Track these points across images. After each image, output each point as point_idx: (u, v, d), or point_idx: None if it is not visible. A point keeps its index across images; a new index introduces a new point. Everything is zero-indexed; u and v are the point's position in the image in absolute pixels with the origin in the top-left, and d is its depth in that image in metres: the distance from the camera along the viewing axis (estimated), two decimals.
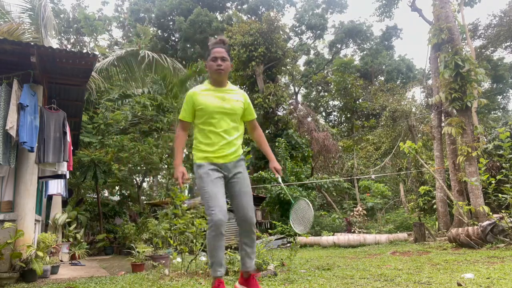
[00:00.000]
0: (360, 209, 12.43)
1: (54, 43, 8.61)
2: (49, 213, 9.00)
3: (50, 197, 8.83)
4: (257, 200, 14.29)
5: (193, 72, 13.10)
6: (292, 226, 3.25)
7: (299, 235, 8.30)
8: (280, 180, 3.10)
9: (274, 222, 12.85)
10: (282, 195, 13.09)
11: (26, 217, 5.08)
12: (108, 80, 10.89)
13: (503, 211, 6.83)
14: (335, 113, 29.78)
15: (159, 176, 18.56)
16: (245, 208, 2.71)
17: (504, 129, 7.44)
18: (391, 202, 16.77)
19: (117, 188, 16.83)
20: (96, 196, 12.58)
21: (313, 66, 29.88)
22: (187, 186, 19.50)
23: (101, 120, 10.82)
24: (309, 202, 3.20)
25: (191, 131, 3.03)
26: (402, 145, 10.00)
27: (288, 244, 11.01)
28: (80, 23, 17.84)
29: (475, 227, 6.94)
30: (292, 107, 19.99)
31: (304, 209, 3.20)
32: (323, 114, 29.83)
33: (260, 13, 25.71)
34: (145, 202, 15.08)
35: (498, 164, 10.12)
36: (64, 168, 6.04)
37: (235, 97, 2.82)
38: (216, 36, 2.99)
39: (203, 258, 5.50)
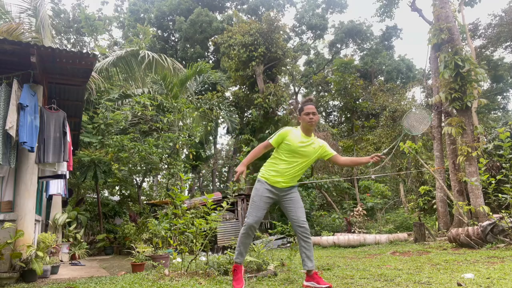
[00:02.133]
0: (360, 209, 12.43)
1: (49, 42, 8.60)
2: (49, 213, 9.00)
3: (50, 197, 8.83)
4: None
5: (193, 72, 13.08)
6: (415, 132, 4.14)
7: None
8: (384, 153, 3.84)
9: (274, 222, 12.85)
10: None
11: (26, 217, 5.08)
12: (108, 80, 10.90)
13: (503, 211, 6.82)
14: (335, 113, 29.77)
15: (159, 176, 18.56)
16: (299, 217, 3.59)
17: (504, 129, 7.42)
18: (391, 202, 16.76)
19: (117, 188, 16.83)
20: (96, 196, 12.57)
21: (313, 66, 29.87)
22: (187, 186, 19.50)
23: (101, 120, 10.81)
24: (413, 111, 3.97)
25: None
26: (402, 145, 10.00)
27: (288, 244, 11.01)
28: (80, 23, 17.82)
29: (475, 227, 6.94)
30: (292, 107, 19.99)
31: (411, 117, 4.12)
32: (323, 114, 29.82)
33: (260, 13, 25.71)
34: (145, 202, 15.08)
35: (498, 164, 10.13)
36: (64, 168, 6.04)
37: (314, 145, 3.62)
38: (306, 97, 3.67)
39: (203, 258, 5.50)
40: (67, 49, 5.52)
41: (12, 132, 4.82)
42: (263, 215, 3.54)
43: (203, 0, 26.98)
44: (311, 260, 3.52)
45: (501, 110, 27.33)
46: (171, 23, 26.91)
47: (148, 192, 18.62)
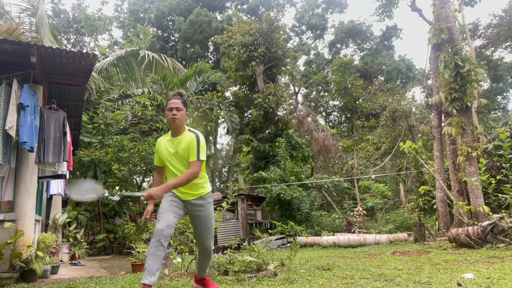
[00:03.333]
0: (360, 209, 12.42)
1: (49, 42, 8.60)
2: (49, 213, 9.00)
3: (50, 197, 8.83)
4: (257, 200, 14.29)
5: (193, 72, 13.09)
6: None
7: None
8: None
9: (274, 222, 12.84)
10: (282, 195, 13.09)
11: (26, 217, 5.07)
12: (108, 80, 10.89)
13: (503, 211, 6.83)
14: (335, 113, 29.77)
15: None
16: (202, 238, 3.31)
17: (504, 129, 7.43)
18: (391, 202, 16.76)
19: (117, 188, 16.83)
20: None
21: (313, 66, 29.87)
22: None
23: (101, 120, 10.81)
24: None
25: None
26: (402, 145, 10.00)
27: (288, 244, 11.01)
28: (80, 23, 17.83)
29: (475, 227, 6.94)
30: (292, 107, 19.97)
31: None
32: (323, 114, 29.82)
33: (260, 13, 25.70)
34: (145, 202, 15.07)
35: (498, 164, 10.12)
36: (64, 168, 6.04)
37: (184, 142, 3.11)
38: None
39: None
40: (67, 49, 5.52)
41: (12, 132, 4.82)
42: (173, 217, 3.11)
43: (202, 0, 26.97)
44: (205, 270, 3.43)
45: (501, 110, 27.33)
46: (171, 23, 26.90)
47: None
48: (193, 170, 3.05)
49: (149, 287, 2.81)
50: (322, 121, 27.81)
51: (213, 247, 3.26)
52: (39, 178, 5.76)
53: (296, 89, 27.52)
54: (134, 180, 14.56)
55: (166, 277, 4.26)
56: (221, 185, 28.97)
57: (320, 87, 29.10)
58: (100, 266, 7.45)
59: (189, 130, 3.19)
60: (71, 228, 9.44)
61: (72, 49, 10.29)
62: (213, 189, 26.14)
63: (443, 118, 11.00)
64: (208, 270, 3.47)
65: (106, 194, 16.77)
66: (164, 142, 3.24)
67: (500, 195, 7.01)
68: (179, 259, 5.06)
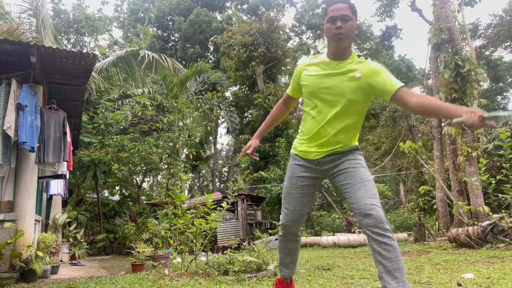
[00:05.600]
0: None
1: (50, 42, 8.61)
2: (49, 213, 9.00)
3: (50, 197, 8.83)
4: (257, 200, 14.30)
5: (193, 72, 13.09)
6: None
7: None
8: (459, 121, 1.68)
9: (274, 222, 12.85)
10: (282, 195, 13.10)
11: (26, 217, 5.07)
12: (108, 80, 10.89)
13: (503, 211, 6.82)
14: None
15: (159, 176, 18.55)
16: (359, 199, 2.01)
17: (504, 129, 7.42)
18: (391, 202, 16.75)
19: (117, 188, 16.83)
20: (96, 196, 12.57)
21: None
22: (187, 186, 19.48)
23: (101, 120, 10.81)
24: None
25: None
26: (402, 145, 10.00)
27: None
28: (80, 23, 17.84)
29: (475, 227, 6.94)
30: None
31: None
32: None
33: (260, 13, 25.71)
34: (145, 202, 15.08)
35: (498, 164, 10.12)
36: (64, 168, 6.04)
37: (354, 72, 2.06)
38: None
39: (203, 258, 5.50)
40: (67, 49, 5.53)
41: (10, 132, 4.82)
42: (303, 207, 2.28)
43: (202, 0, 26.98)
44: (395, 277, 1.91)
45: (501, 110, 27.34)
46: (171, 23, 26.91)
47: (148, 192, 18.62)
48: (419, 94, 1.98)
49: (283, 280, 2.56)
50: None
51: (383, 212, 2.01)
52: (39, 178, 5.76)
53: None
54: (134, 180, 14.55)
55: (166, 277, 4.26)
56: (221, 185, 28.97)
57: None
58: (100, 266, 7.45)
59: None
60: (71, 228, 9.44)
61: (72, 49, 10.29)
62: (213, 189, 26.14)
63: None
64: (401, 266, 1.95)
65: (106, 194, 16.79)
66: (317, 63, 2.16)
67: (500, 195, 7.01)
68: (179, 259, 5.06)
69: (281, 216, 2.38)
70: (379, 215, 1.95)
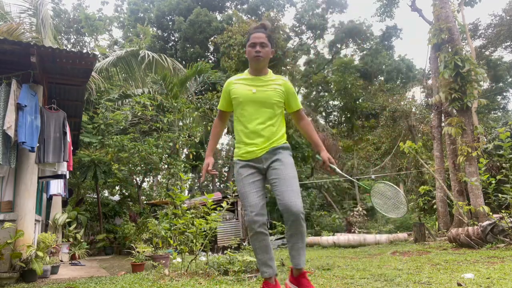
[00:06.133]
0: (360, 209, 12.44)
1: (50, 42, 8.61)
2: (49, 213, 9.00)
3: (50, 197, 8.83)
4: None
5: (193, 72, 13.09)
6: (385, 214, 3.02)
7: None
8: (337, 169, 2.71)
9: (274, 222, 12.85)
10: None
11: (26, 217, 5.08)
12: (108, 80, 10.89)
13: (503, 211, 6.82)
14: (335, 113, 29.77)
15: (159, 176, 18.56)
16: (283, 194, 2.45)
17: (504, 129, 7.42)
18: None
19: (117, 188, 16.83)
20: (96, 196, 12.58)
21: (313, 66, 29.86)
22: (187, 186, 19.48)
23: (101, 120, 10.82)
24: (388, 183, 2.90)
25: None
26: (402, 145, 10.00)
27: None
28: (80, 23, 17.84)
29: (475, 227, 6.94)
30: None
31: (385, 191, 2.94)
32: (323, 114, 29.82)
33: (260, 13, 25.70)
34: (145, 202, 15.08)
35: (498, 164, 10.12)
36: (64, 168, 6.04)
37: (273, 86, 2.67)
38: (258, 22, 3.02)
39: (203, 258, 5.50)
40: (67, 49, 5.53)
41: (10, 132, 4.82)
42: (261, 200, 2.54)
43: (202, 0, 26.97)
44: (301, 254, 2.50)
45: (501, 110, 27.34)
46: (171, 23, 26.91)
47: (148, 192, 18.62)
48: (308, 120, 2.77)
49: (267, 280, 2.51)
50: (322, 121, 27.80)
51: (303, 210, 2.45)
52: (39, 178, 5.76)
53: (296, 89, 27.54)
54: (134, 180, 14.55)
55: (166, 277, 4.26)
56: (221, 185, 28.97)
57: (320, 87, 29.11)
58: (100, 266, 7.45)
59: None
60: (71, 228, 9.44)
61: (72, 49, 10.29)
62: (213, 189, 26.14)
63: (443, 118, 11.00)
64: (304, 258, 2.51)
65: (106, 194, 16.79)
66: (238, 82, 2.71)
67: (500, 195, 7.01)
68: (179, 259, 5.06)
69: (246, 217, 2.58)
70: (298, 209, 2.40)
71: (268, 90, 2.64)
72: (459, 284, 3.14)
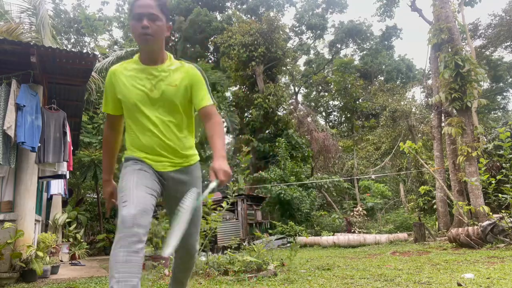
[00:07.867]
0: (360, 209, 12.43)
1: (49, 42, 8.60)
2: (49, 213, 9.00)
3: (50, 197, 8.83)
4: (257, 200, 14.30)
5: None
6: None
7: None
8: (215, 186, 1.67)
9: (274, 222, 12.85)
10: (282, 195, 13.08)
11: (26, 217, 5.07)
12: None
13: (503, 211, 6.83)
14: (335, 113, 29.78)
15: None
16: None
17: (504, 129, 7.42)
18: (391, 202, 16.76)
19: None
20: (96, 196, 12.57)
21: (313, 66, 29.87)
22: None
23: (101, 120, 10.82)
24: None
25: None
26: (402, 145, 10.00)
27: (288, 244, 11.01)
28: (80, 23, 17.84)
29: (475, 227, 6.94)
30: (292, 107, 19.99)
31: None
32: (323, 114, 29.83)
33: (260, 13, 25.69)
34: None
35: (498, 164, 10.12)
36: (64, 168, 6.04)
37: (172, 78, 1.89)
38: None
39: (203, 258, 5.50)
40: (67, 49, 5.52)
41: (10, 132, 4.82)
42: (144, 193, 1.85)
43: (202, 0, 26.97)
44: (184, 284, 2.20)
45: (501, 110, 27.34)
46: (171, 22, 26.83)
47: None
48: (219, 119, 1.88)
49: None
50: (322, 121, 27.82)
51: (198, 248, 2.10)
52: (39, 178, 5.75)
53: (296, 89, 27.53)
54: None
55: (166, 277, 4.26)
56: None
57: (320, 87, 29.13)
58: (100, 266, 7.44)
59: (174, 57, 2.00)
60: (71, 228, 9.44)
61: (72, 49, 10.29)
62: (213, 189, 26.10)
63: (443, 118, 11.00)
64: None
65: None
66: (127, 74, 1.89)
67: (500, 195, 7.01)
68: None
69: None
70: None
71: (167, 85, 1.87)
72: (459, 284, 3.14)
